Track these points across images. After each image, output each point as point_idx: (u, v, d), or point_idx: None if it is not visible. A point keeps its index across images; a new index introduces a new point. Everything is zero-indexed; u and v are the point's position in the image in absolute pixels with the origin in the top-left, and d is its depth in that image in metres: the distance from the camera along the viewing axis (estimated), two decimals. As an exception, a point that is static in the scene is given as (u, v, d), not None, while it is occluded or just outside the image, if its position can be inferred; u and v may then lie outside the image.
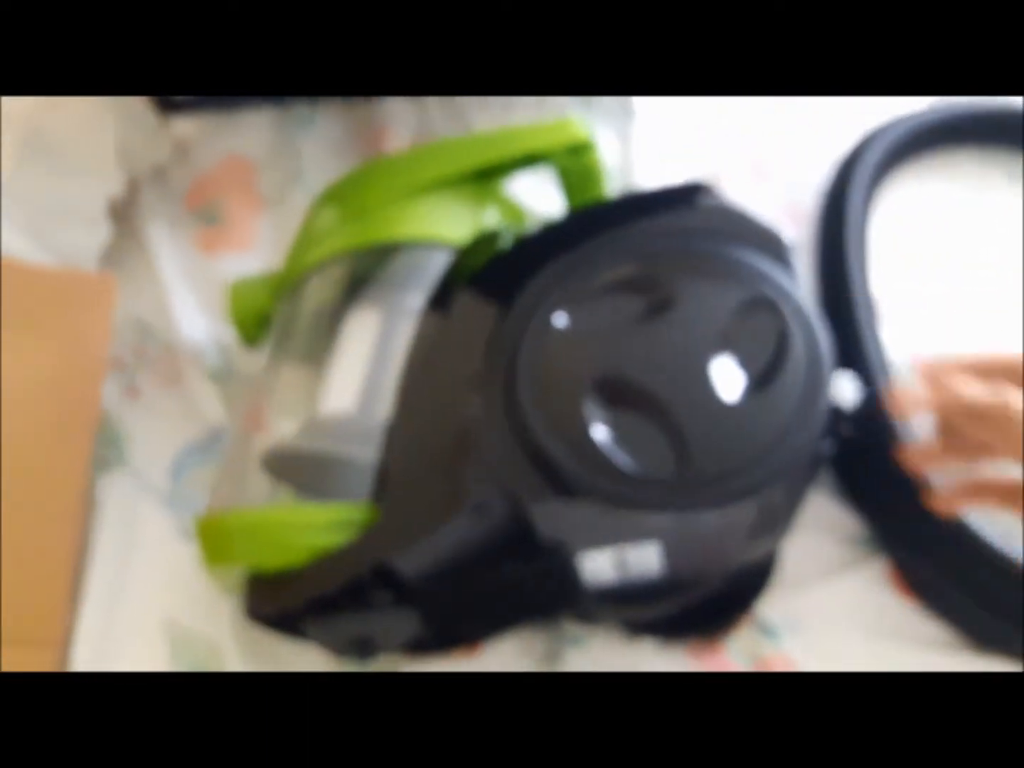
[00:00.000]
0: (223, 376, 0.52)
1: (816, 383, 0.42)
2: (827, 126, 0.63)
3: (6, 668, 0.44)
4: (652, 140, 0.61)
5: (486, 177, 0.49)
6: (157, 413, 0.51)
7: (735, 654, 0.47)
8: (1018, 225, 0.63)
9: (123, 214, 0.53)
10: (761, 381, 0.41)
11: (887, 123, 0.61)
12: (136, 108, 0.53)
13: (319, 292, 0.47)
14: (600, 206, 0.48)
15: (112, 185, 0.52)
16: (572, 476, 0.39)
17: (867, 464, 0.52)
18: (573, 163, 0.49)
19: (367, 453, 0.42)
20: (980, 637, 0.51)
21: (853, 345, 0.54)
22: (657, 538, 0.41)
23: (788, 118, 0.63)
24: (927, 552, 0.51)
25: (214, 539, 0.43)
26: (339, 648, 0.43)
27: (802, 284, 0.44)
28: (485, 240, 0.46)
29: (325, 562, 0.40)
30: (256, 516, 0.43)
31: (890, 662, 0.48)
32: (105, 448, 0.50)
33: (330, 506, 0.42)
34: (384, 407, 0.43)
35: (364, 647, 0.42)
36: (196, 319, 0.52)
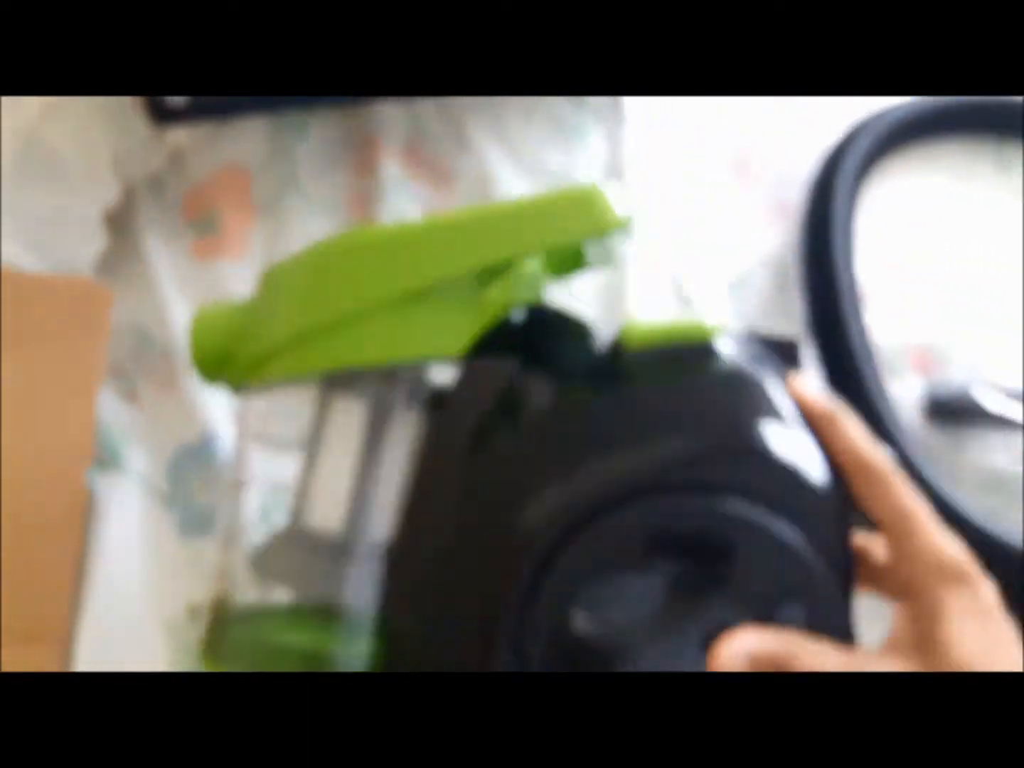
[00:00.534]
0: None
1: None
2: (813, 120, 0.64)
3: (8, 667, 0.45)
4: (641, 140, 0.62)
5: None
6: (155, 416, 0.52)
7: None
8: (1004, 214, 0.63)
9: (119, 223, 0.55)
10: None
11: (872, 115, 0.62)
12: (130, 118, 0.54)
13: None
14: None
15: (108, 194, 0.53)
16: None
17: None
18: (595, 247, 0.41)
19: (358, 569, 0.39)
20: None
21: (838, 334, 0.55)
22: None
23: (774, 114, 0.64)
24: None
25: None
26: None
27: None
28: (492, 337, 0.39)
29: None
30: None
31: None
32: (104, 451, 0.51)
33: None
34: (376, 523, 0.39)
35: None
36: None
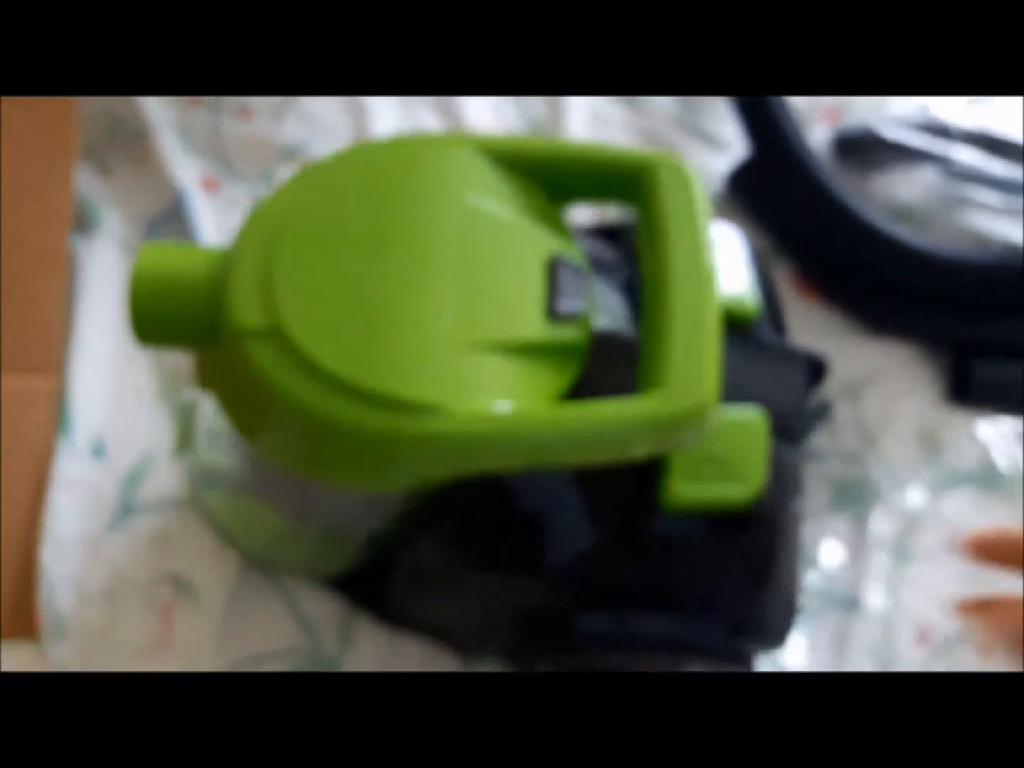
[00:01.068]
0: (191, 144, 0.58)
1: None
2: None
3: (9, 396, 0.51)
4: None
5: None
6: (130, 187, 0.57)
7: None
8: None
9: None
10: None
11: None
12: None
13: None
14: None
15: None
16: None
17: (773, 185, 0.58)
18: None
19: None
20: (882, 323, 0.57)
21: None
22: None
23: None
24: (832, 255, 0.57)
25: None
26: None
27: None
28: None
29: None
30: None
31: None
32: (84, 217, 0.56)
33: None
34: None
35: None
36: (158, 106, 0.58)
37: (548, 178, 0.41)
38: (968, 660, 0.51)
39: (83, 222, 0.56)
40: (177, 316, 0.37)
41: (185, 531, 0.50)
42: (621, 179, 0.40)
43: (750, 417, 0.41)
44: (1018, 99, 0.61)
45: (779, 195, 0.58)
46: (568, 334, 0.37)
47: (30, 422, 0.51)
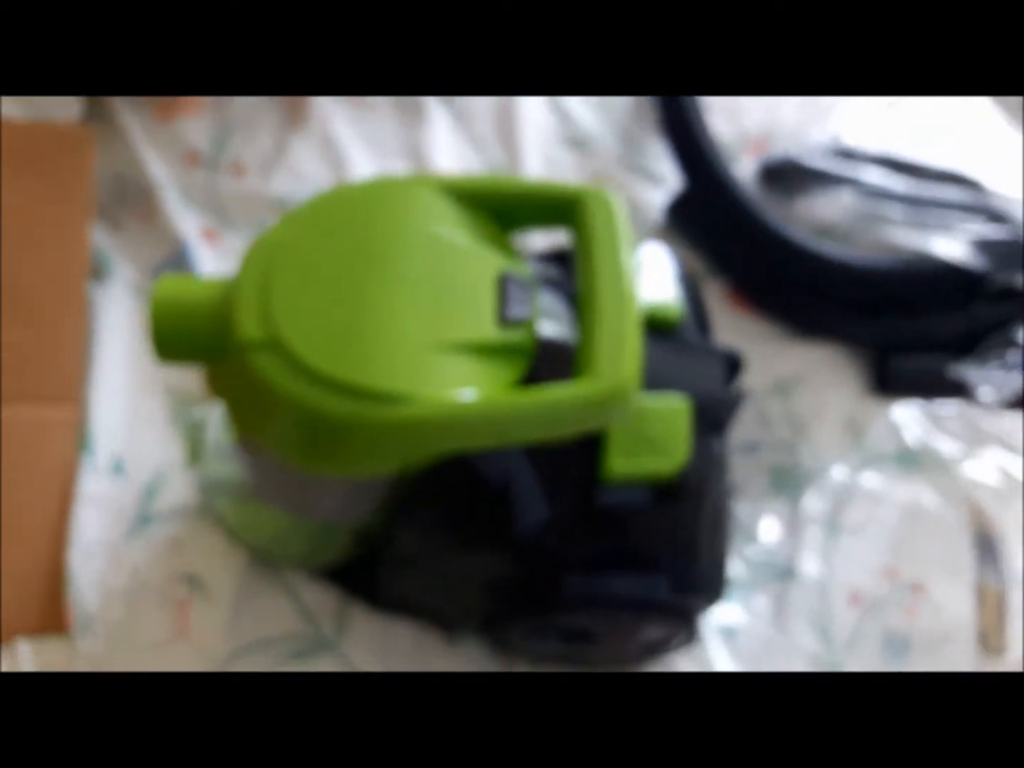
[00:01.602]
0: (192, 200, 0.66)
1: None
2: None
3: (33, 424, 0.58)
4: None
5: None
6: (138, 239, 0.64)
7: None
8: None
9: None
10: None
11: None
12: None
13: None
14: None
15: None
16: None
17: (705, 213, 0.66)
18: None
19: None
20: (809, 327, 0.64)
21: (687, 129, 0.67)
22: None
23: None
24: (761, 271, 0.64)
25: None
26: None
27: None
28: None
29: None
30: None
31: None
32: (98, 267, 0.63)
33: None
34: None
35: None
36: (162, 168, 0.66)
37: (498, 209, 0.48)
38: (897, 619, 0.57)
39: (98, 271, 0.63)
40: (190, 335, 0.44)
41: (196, 535, 0.57)
42: (558, 208, 0.48)
43: (675, 403, 0.48)
44: (912, 120, 0.69)
45: (711, 221, 0.65)
46: (516, 336, 0.45)
47: (56, 445, 0.58)
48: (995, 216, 0.63)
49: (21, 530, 0.56)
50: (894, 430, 0.62)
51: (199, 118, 0.68)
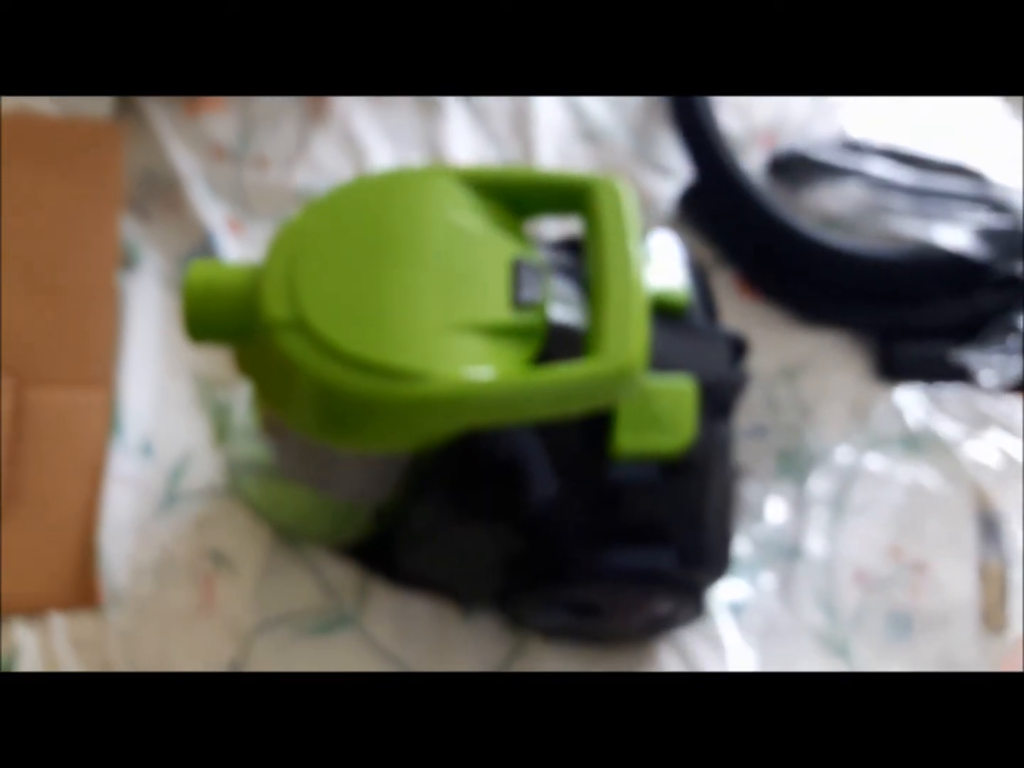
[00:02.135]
0: (217, 192, 0.68)
1: None
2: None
3: (67, 406, 0.60)
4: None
5: None
6: (166, 229, 0.67)
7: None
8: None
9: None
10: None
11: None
12: None
13: None
14: None
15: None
16: None
17: (715, 204, 0.68)
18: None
19: None
20: (815, 315, 0.66)
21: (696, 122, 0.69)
22: None
23: None
24: (769, 260, 0.66)
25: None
26: None
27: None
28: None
29: None
30: None
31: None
32: (127, 257, 0.66)
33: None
34: None
35: None
36: (189, 161, 0.68)
37: (512, 198, 0.50)
38: (900, 597, 0.59)
39: (128, 261, 0.65)
40: (221, 316, 0.47)
41: (222, 513, 0.59)
42: (569, 197, 0.50)
43: (681, 383, 0.50)
44: (917, 113, 0.71)
45: (721, 212, 0.67)
46: (528, 318, 0.47)
47: (88, 427, 0.60)
48: (997, 206, 0.65)
49: (55, 509, 0.59)
50: (898, 413, 0.64)
51: (224, 114, 0.71)
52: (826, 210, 0.69)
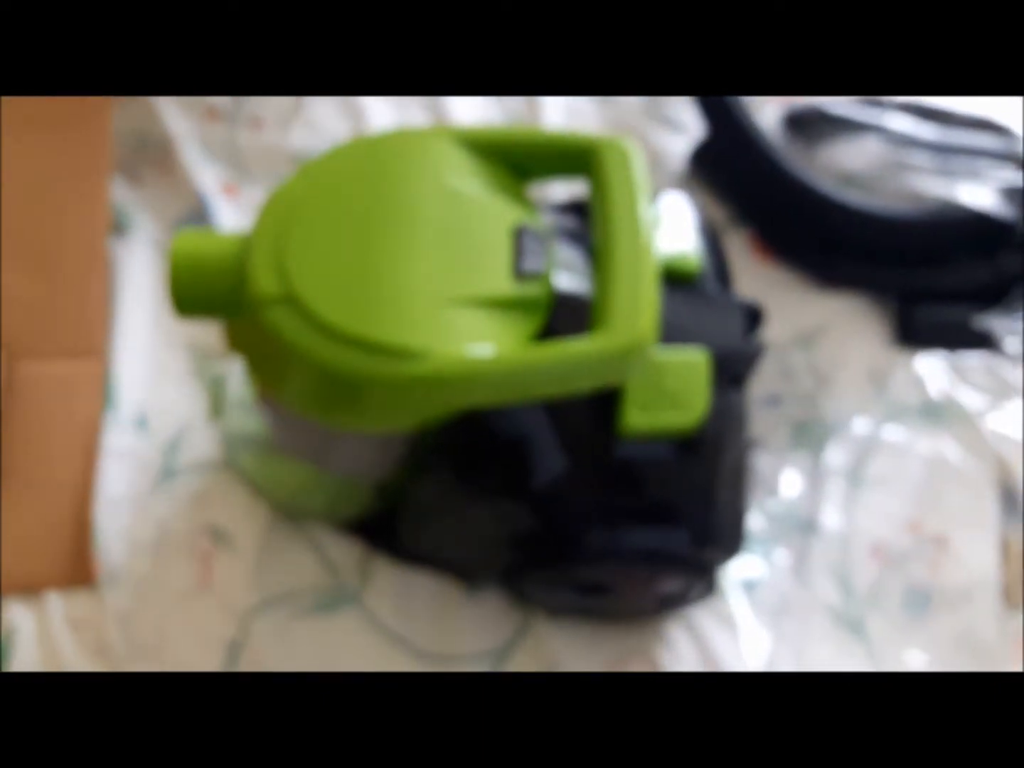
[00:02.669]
0: (211, 154, 0.66)
1: None
2: None
3: (62, 377, 0.58)
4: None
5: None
6: (158, 192, 0.65)
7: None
8: None
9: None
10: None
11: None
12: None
13: None
14: None
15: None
16: None
17: (728, 161, 0.65)
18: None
19: None
20: (832, 277, 0.63)
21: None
22: None
23: None
24: (785, 220, 0.63)
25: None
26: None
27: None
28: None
29: None
30: None
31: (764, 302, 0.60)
32: (118, 221, 0.63)
33: None
34: None
35: None
36: (182, 123, 0.66)
37: (514, 160, 0.48)
38: (919, 572, 0.57)
39: (119, 227, 0.63)
40: (208, 290, 0.45)
41: (220, 488, 0.58)
42: (574, 158, 0.47)
43: (693, 356, 0.47)
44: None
45: (734, 170, 0.64)
46: (532, 289, 0.44)
47: (81, 400, 0.59)
48: (1025, 163, 0.62)
49: (48, 485, 0.57)
50: (918, 382, 0.61)
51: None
52: (844, 167, 0.66)
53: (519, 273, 0.44)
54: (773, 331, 0.61)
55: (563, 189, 0.61)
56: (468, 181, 0.46)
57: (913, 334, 0.62)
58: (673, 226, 0.52)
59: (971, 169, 0.62)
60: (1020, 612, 0.56)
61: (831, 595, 0.57)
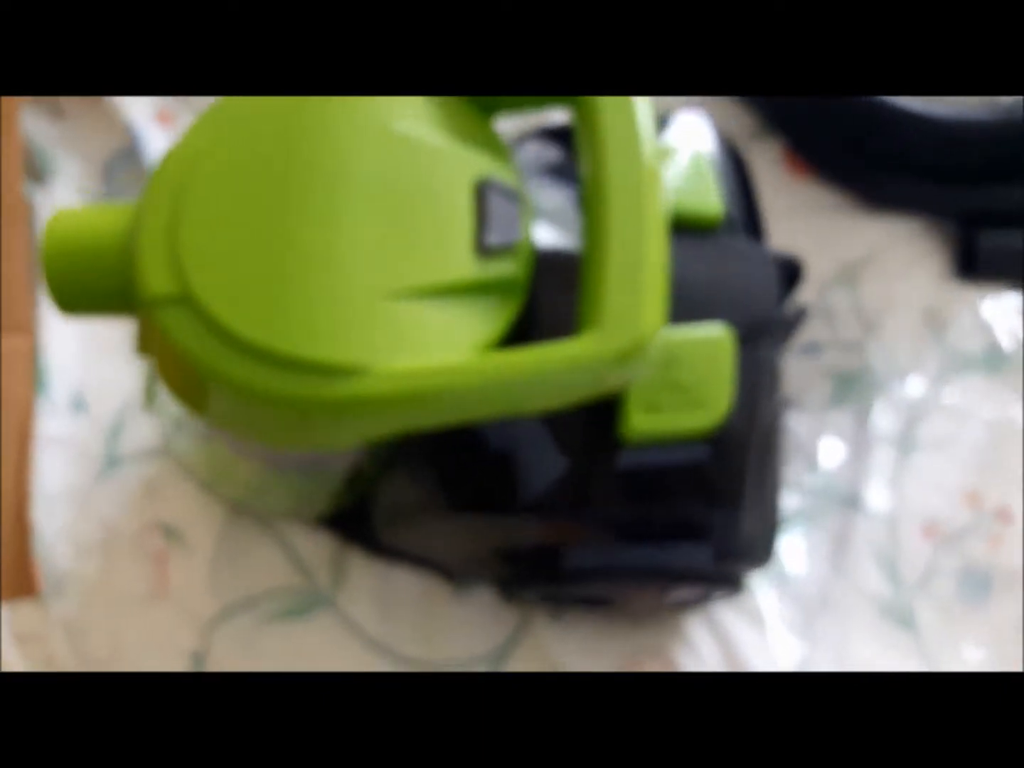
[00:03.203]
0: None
1: None
2: None
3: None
4: None
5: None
6: (84, 128, 0.55)
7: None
8: None
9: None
10: None
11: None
12: None
13: None
14: None
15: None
16: None
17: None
18: None
19: None
20: (881, 197, 0.53)
21: None
22: None
23: None
24: (825, 126, 0.53)
25: None
26: None
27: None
28: None
29: None
30: None
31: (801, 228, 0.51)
32: (38, 165, 0.54)
33: None
34: None
35: None
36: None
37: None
38: (978, 552, 0.49)
39: (37, 171, 0.54)
40: (94, 283, 0.36)
41: (171, 480, 0.50)
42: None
43: (714, 335, 0.38)
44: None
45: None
46: (502, 269, 0.35)
47: (9, 382, 0.51)
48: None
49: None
50: (983, 326, 0.51)
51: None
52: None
53: (483, 248, 0.35)
54: (811, 264, 0.52)
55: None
56: (414, 121, 0.36)
57: (979, 266, 0.51)
58: (687, 160, 0.42)
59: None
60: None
61: (875, 583, 0.49)
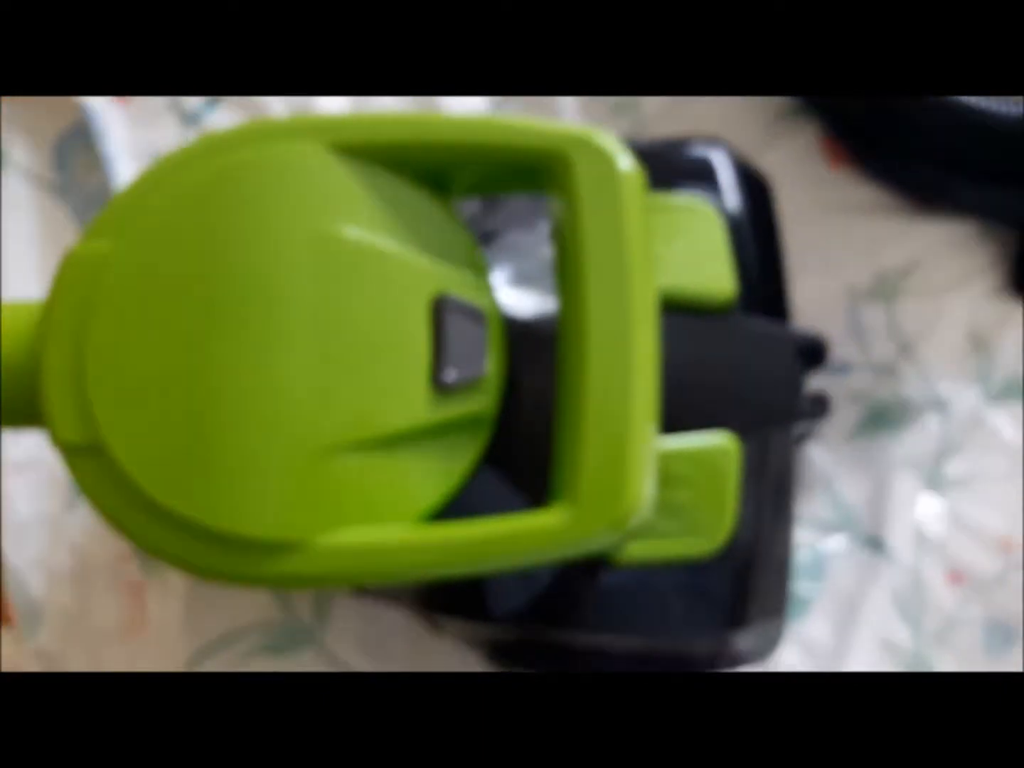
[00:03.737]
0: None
1: None
2: None
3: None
4: None
5: None
6: (30, 105, 0.50)
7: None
8: None
9: None
10: None
11: None
12: None
13: None
14: None
15: None
16: None
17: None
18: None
19: None
20: (928, 197, 0.47)
21: None
22: None
23: None
24: (869, 110, 0.46)
25: None
26: None
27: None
28: None
29: None
30: None
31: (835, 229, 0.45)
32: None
33: None
34: None
35: None
36: None
37: (428, 170, 0.32)
38: (1008, 602, 0.45)
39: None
40: (9, 400, 0.32)
41: (143, 506, 0.48)
42: (525, 169, 0.31)
43: (717, 446, 0.34)
44: None
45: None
46: (465, 407, 0.31)
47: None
48: None
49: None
50: (1035, 351, 0.46)
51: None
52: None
53: (441, 384, 0.30)
54: (843, 273, 0.46)
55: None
56: (360, 221, 0.31)
57: (1034, 281, 0.45)
58: (697, 229, 0.36)
59: None
60: None
61: (894, 630, 0.45)
